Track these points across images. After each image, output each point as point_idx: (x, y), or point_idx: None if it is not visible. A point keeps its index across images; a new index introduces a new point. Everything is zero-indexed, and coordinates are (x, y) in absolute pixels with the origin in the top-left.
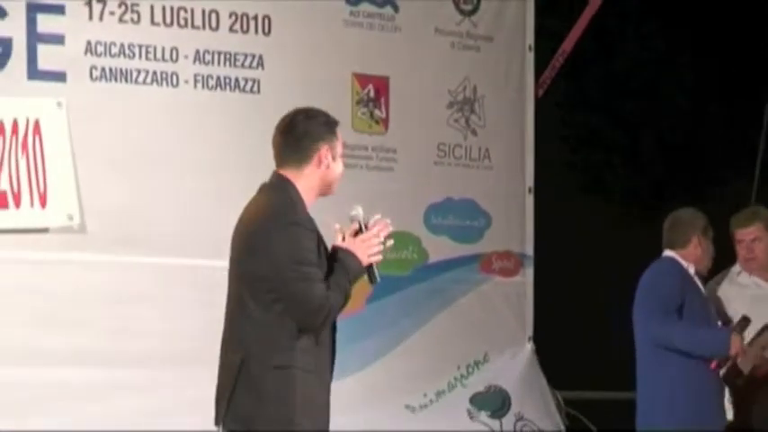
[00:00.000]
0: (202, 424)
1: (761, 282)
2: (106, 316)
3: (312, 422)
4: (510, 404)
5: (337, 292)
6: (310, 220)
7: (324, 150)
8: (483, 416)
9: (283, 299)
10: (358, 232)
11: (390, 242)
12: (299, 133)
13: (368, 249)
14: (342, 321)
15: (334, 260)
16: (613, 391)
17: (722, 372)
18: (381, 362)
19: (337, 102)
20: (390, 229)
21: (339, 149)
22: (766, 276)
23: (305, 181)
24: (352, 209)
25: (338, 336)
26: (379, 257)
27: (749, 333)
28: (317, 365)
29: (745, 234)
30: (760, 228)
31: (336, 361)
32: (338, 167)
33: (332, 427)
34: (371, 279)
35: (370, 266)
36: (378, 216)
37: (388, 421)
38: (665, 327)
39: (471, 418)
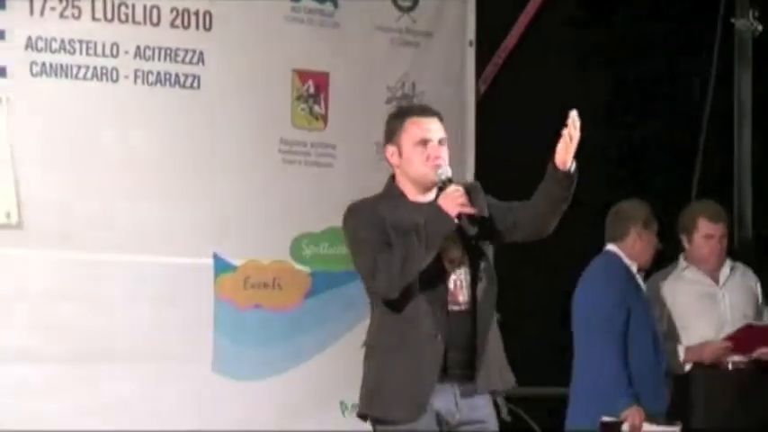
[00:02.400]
0: (141, 421)
1: (704, 278)
2: (43, 312)
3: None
4: None
5: (398, 257)
6: (372, 210)
7: (389, 153)
8: None
9: None
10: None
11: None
12: None
13: (453, 201)
14: (279, 316)
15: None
16: (557, 387)
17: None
18: (318, 358)
19: (277, 98)
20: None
21: (412, 137)
22: (712, 274)
23: (398, 175)
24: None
25: (275, 331)
26: (469, 208)
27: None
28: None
29: (717, 229)
30: (727, 226)
31: (273, 356)
32: (412, 157)
33: (265, 423)
34: (474, 224)
35: (462, 217)
36: None
37: (322, 418)
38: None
39: None
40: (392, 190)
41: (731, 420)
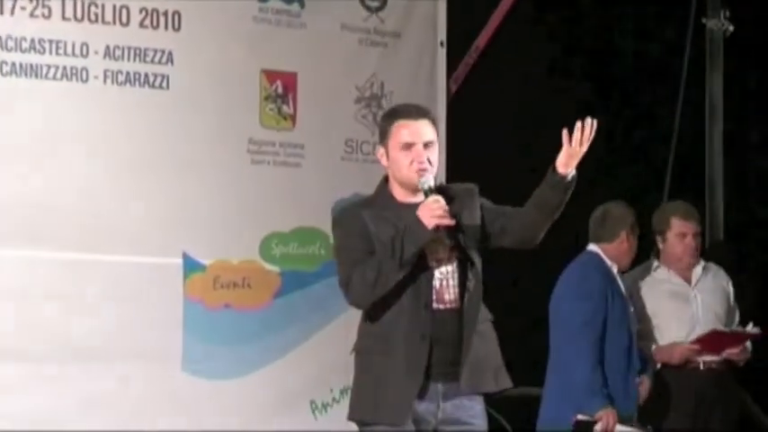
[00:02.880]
0: (111, 420)
1: (676, 278)
2: (12, 312)
3: (370, 410)
4: None
5: (371, 269)
6: (356, 217)
7: (379, 155)
8: None
9: None
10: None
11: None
12: None
13: (429, 213)
14: (249, 316)
15: None
16: (530, 387)
17: None
18: (288, 357)
19: (246, 98)
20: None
21: (398, 140)
22: (684, 274)
23: (390, 176)
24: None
25: (245, 331)
26: (447, 220)
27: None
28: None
29: (691, 227)
30: (699, 224)
31: (243, 356)
32: (398, 159)
33: (235, 423)
34: (450, 237)
35: (440, 228)
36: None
37: (292, 418)
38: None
39: None
40: (383, 192)
41: (701, 420)
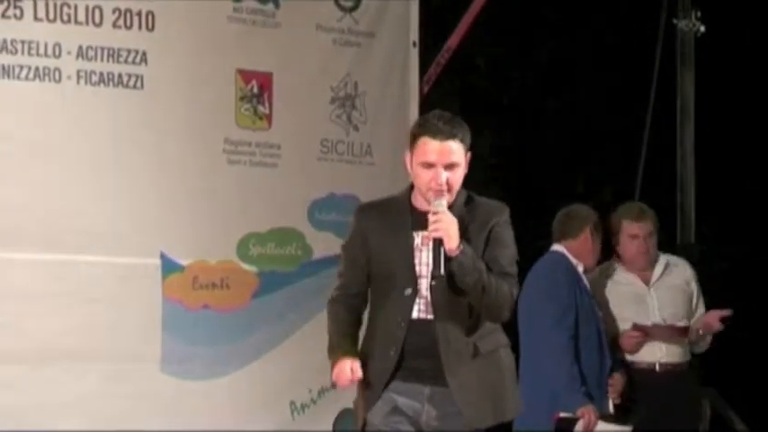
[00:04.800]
0: (89, 421)
1: (635, 279)
2: None
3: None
4: None
5: (330, 322)
6: (367, 213)
7: (406, 159)
8: None
9: None
10: None
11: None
12: None
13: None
14: (226, 317)
15: None
16: None
17: None
18: (266, 357)
19: (221, 98)
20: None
21: (420, 157)
22: (642, 275)
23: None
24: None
25: (224, 332)
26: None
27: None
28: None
29: (642, 228)
30: (652, 223)
31: (222, 357)
32: (419, 174)
33: (214, 424)
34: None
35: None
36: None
37: (271, 418)
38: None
39: None
40: (404, 197)
41: (655, 421)
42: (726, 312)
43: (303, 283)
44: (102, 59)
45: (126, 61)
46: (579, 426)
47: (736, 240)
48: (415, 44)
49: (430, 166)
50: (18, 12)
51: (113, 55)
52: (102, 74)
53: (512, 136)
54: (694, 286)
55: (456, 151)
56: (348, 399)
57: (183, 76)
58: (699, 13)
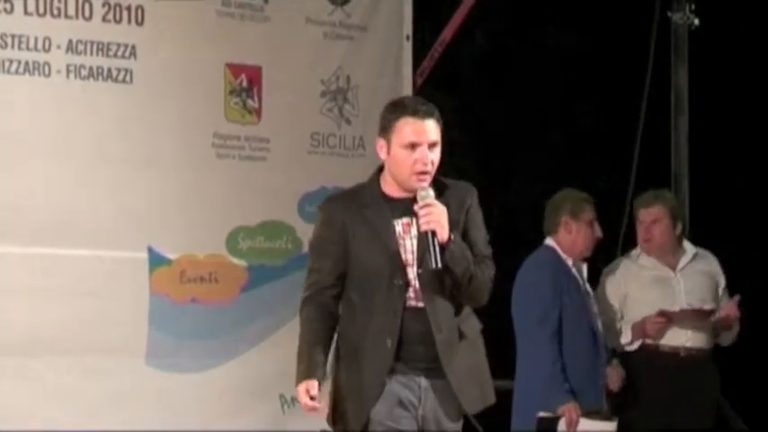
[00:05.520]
0: (76, 414)
1: (658, 264)
2: None
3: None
4: None
5: (302, 325)
6: (341, 205)
7: (378, 146)
8: None
9: None
10: None
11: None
12: None
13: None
14: (215, 311)
15: None
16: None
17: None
18: (255, 351)
19: (210, 92)
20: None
21: (403, 138)
22: (665, 259)
23: (385, 168)
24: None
25: (212, 325)
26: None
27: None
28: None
29: (646, 215)
30: (661, 210)
31: (210, 350)
32: (400, 159)
33: (202, 418)
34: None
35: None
36: None
37: (261, 411)
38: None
39: None
40: (373, 186)
41: (673, 405)
42: (737, 298)
43: (293, 276)
44: (91, 53)
45: (115, 55)
46: (561, 425)
47: (729, 236)
48: (408, 38)
49: (414, 146)
50: (8, 6)
51: (103, 49)
52: (91, 68)
53: (504, 129)
54: (721, 277)
55: (435, 130)
56: None
57: (173, 71)
58: (693, 6)
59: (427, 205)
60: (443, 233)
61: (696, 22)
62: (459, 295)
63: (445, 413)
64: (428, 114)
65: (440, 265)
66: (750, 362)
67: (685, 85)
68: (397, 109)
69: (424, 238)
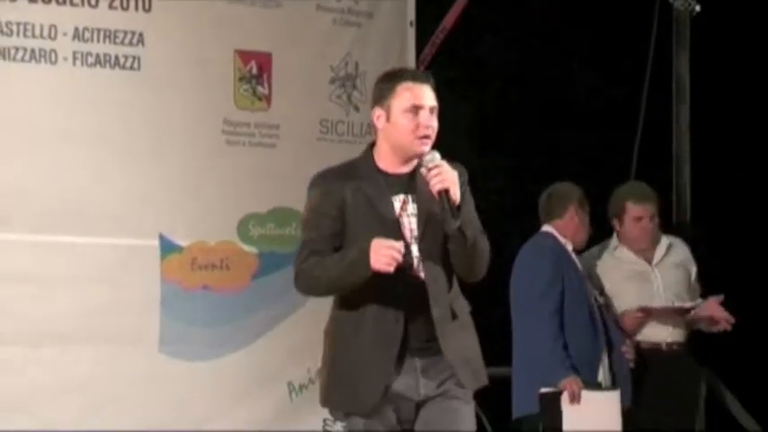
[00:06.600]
0: (79, 402)
1: (637, 257)
2: None
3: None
4: None
5: (319, 269)
6: (339, 179)
7: (375, 116)
8: None
9: None
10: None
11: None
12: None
13: (380, 257)
14: (227, 298)
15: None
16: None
17: None
18: (265, 338)
19: (220, 79)
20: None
21: (404, 103)
22: (642, 252)
23: (380, 141)
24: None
25: (223, 312)
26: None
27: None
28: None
29: (645, 210)
30: (655, 205)
31: (221, 338)
32: (401, 125)
33: (212, 404)
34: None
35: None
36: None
37: (269, 399)
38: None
39: None
40: (367, 161)
41: (656, 401)
42: (720, 298)
43: None
44: (98, 41)
45: (123, 42)
46: (564, 399)
47: (730, 227)
48: (412, 24)
49: (417, 109)
50: None
51: (110, 36)
52: (98, 55)
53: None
54: (692, 265)
55: (434, 96)
56: None
57: (181, 57)
58: None
59: (437, 166)
60: (456, 192)
61: (697, 8)
62: (460, 267)
63: (450, 386)
64: (426, 80)
65: (458, 222)
66: (749, 350)
67: (687, 71)
68: (394, 76)
69: (427, 208)
